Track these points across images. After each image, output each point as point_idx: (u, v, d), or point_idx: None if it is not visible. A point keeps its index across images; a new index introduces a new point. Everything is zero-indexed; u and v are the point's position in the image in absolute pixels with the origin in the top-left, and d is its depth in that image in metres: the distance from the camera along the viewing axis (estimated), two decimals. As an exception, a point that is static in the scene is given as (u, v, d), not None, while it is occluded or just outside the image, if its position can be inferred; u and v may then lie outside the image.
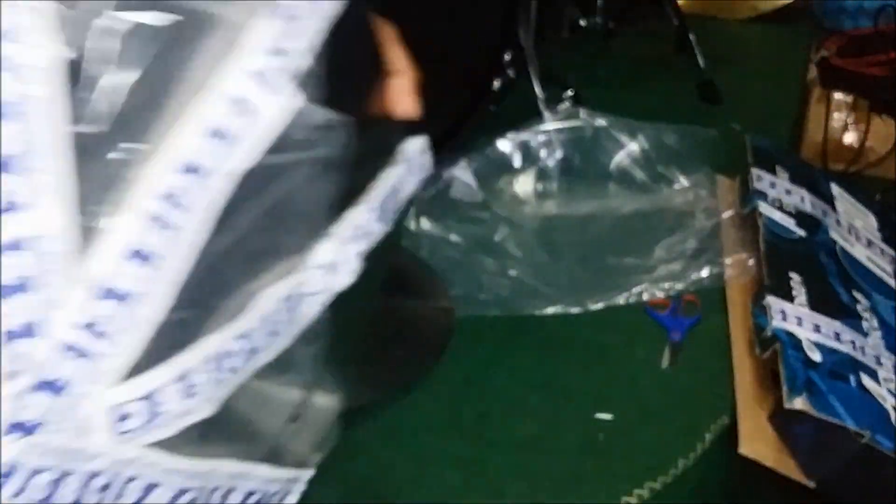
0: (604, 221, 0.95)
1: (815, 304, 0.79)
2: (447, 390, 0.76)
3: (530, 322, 0.83)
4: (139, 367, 0.40)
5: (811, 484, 0.70)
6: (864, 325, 0.80)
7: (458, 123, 0.95)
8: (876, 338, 0.79)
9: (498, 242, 0.91)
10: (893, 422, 0.70)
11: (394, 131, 0.56)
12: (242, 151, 0.41)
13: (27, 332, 0.37)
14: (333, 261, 0.49)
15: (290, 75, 0.42)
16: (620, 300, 0.85)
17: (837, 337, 0.77)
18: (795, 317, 0.77)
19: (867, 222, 0.98)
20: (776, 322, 0.75)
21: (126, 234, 0.39)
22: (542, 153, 0.98)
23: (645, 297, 0.86)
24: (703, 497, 0.73)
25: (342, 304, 0.50)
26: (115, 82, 0.38)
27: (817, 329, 0.76)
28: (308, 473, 0.53)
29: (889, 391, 0.73)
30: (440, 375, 0.77)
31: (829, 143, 1.11)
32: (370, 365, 0.68)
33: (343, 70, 0.46)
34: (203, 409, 0.43)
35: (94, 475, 0.41)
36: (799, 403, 0.68)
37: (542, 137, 0.98)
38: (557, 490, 0.68)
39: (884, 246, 0.95)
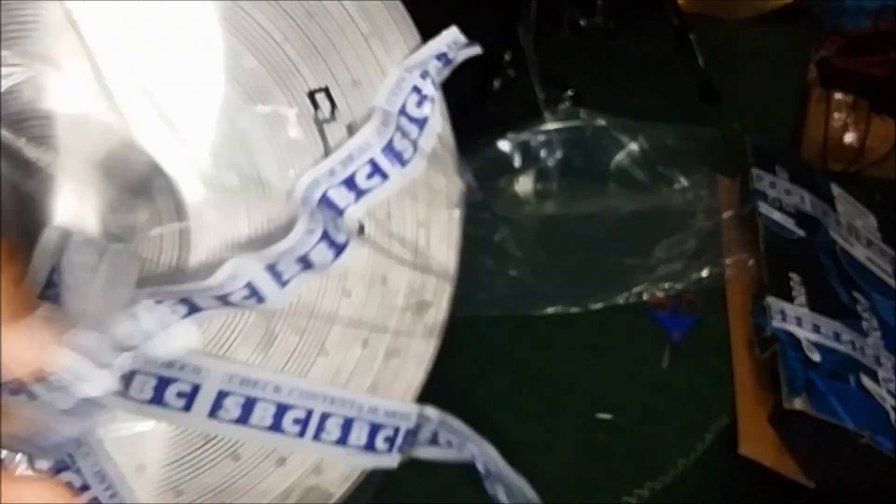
0: (604, 221, 0.95)
1: (815, 304, 0.79)
2: (446, 390, 0.76)
3: (530, 322, 0.83)
4: None
5: (811, 484, 0.70)
6: (864, 325, 0.80)
7: (457, 124, 0.95)
8: (876, 338, 0.79)
9: (498, 242, 0.91)
10: (893, 422, 0.70)
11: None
12: None
13: None
14: None
15: None
16: (620, 300, 0.85)
17: (837, 337, 0.77)
18: (795, 317, 0.77)
19: (867, 222, 0.98)
20: (776, 322, 0.75)
21: None
22: (542, 153, 0.98)
23: (645, 297, 0.86)
24: (703, 497, 0.73)
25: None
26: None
27: (817, 329, 0.76)
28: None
29: (889, 391, 0.73)
30: (439, 376, 0.77)
31: (829, 143, 1.11)
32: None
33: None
34: None
35: None
36: (798, 404, 0.68)
37: (542, 137, 0.98)
38: (557, 490, 0.68)
39: (884, 246, 0.95)
